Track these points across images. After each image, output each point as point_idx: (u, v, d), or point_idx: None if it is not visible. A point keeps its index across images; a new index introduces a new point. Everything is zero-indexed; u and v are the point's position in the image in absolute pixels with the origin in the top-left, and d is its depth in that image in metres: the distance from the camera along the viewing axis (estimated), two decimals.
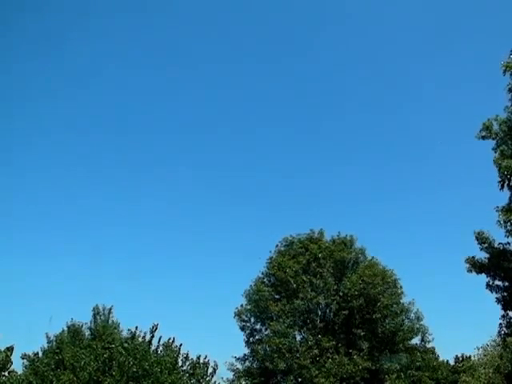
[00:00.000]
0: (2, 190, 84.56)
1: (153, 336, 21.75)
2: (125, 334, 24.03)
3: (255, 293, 33.07)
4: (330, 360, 29.61)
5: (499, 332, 23.20)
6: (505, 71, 20.98)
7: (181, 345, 21.97)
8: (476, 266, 22.92)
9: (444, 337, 65.75)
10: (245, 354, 32.88)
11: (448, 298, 68.78)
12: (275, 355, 30.33)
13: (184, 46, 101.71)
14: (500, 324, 22.91)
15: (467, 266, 23.32)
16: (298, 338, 32.40)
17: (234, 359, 32.70)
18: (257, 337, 33.26)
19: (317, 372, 29.25)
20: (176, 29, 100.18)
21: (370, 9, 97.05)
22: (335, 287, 32.08)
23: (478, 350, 30.19)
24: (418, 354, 33.19)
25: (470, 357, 44.63)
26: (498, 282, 22.49)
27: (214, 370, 22.29)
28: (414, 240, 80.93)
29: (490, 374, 26.94)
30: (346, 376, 29.42)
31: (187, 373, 21.61)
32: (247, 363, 32.61)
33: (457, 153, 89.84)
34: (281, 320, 31.26)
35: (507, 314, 22.61)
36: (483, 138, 21.56)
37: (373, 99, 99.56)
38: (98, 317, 29.63)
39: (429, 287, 68.38)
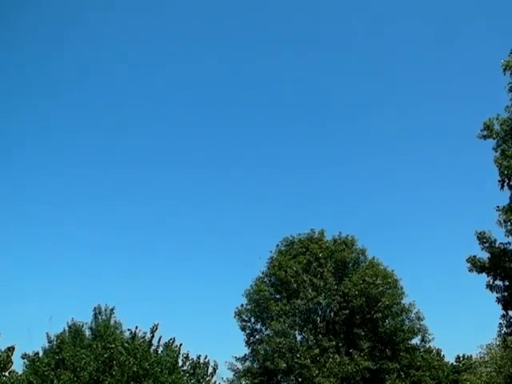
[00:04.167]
0: (1, 190, 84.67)
1: (153, 336, 21.78)
2: (127, 334, 23.99)
3: (256, 292, 33.04)
4: (330, 360, 29.57)
5: (499, 332, 23.14)
6: (505, 70, 20.87)
7: (181, 345, 22.01)
8: (477, 266, 22.83)
9: (445, 336, 65.91)
10: (245, 354, 32.92)
11: (449, 297, 68.89)
12: (275, 355, 30.32)
13: (182, 44, 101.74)
14: (500, 324, 22.85)
15: (468, 265, 23.23)
16: (299, 337, 32.41)
17: (235, 359, 32.77)
18: (257, 337, 33.27)
19: (317, 372, 29.22)
20: (173, 27, 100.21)
21: (371, 9, 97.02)
22: (336, 287, 32.03)
23: (481, 348, 30.18)
24: (419, 353, 33.18)
25: (471, 356, 44.63)
26: (498, 282, 22.41)
27: (214, 370, 22.37)
28: (414, 240, 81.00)
29: (491, 373, 26.90)
30: (347, 376, 29.40)
31: (187, 373, 21.62)
32: (247, 363, 32.62)
33: (457, 152, 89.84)
34: (281, 320, 31.22)
35: (507, 314, 22.54)
36: (484, 137, 21.46)
37: (373, 98, 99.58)
38: (100, 317, 29.53)
39: (430, 287, 68.50)
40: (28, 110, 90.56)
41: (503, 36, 72.08)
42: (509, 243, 21.96)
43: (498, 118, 21.11)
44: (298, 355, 30.27)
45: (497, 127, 21.08)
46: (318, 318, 32.87)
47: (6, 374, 17.07)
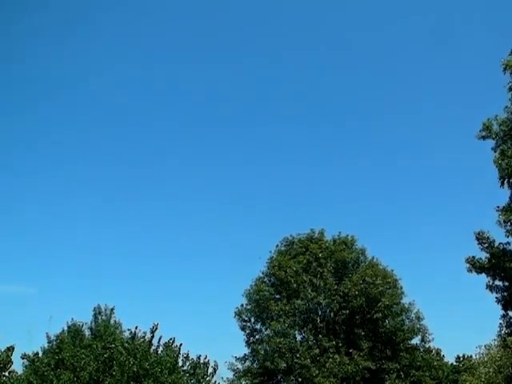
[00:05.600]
0: (1, 190, 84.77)
1: (153, 336, 21.72)
2: (127, 334, 23.99)
3: (255, 292, 33.04)
4: (330, 360, 29.56)
5: (499, 332, 23.18)
6: (505, 69, 20.91)
7: (181, 345, 21.95)
8: (476, 266, 22.88)
9: (445, 336, 65.82)
10: (245, 354, 32.90)
11: (449, 297, 68.83)
12: (275, 355, 30.31)
13: (182, 44, 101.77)
14: (500, 324, 22.89)
15: (467, 265, 23.29)
16: (299, 337, 32.41)
17: (235, 359, 32.77)
18: (257, 336, 33.26)
19: (317, 372, 29.22)
20: (173, 27, 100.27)
21: (371, 7, 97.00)
22: (336, 287, 32.02)
23: (480, 348, 30.08)
24: (419, 353, 33.17)
25: (470, 356, 44.55)
26: (497, 282, 22.46)
27: (214, 370, 22.28)
28: (414, 240, 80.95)
29: (491, 374, 26.82)
30: (347, 376, 29.40)
31: (187, 373, 21.59)
32: (247, 363, 32.61)
33: (457, 153, 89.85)
34: (281, 320, 31.22)
35: (507, 314, 22.58)
36: (483, 137, 21.54)
37: (372, 99, 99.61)
38: (99, 317, 29.53)
39: (430, 287, 68.45)
40: (28, 110, 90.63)
41: (503, 36, 72.08)
42: (508, 243, 22.02)
43: (496, 119, 21.18)
44: (298, 355, 30.27)
45: (496, 128, 21.16)
46: (318, 318, 32.85)
47: (6, 373, 17.12)
